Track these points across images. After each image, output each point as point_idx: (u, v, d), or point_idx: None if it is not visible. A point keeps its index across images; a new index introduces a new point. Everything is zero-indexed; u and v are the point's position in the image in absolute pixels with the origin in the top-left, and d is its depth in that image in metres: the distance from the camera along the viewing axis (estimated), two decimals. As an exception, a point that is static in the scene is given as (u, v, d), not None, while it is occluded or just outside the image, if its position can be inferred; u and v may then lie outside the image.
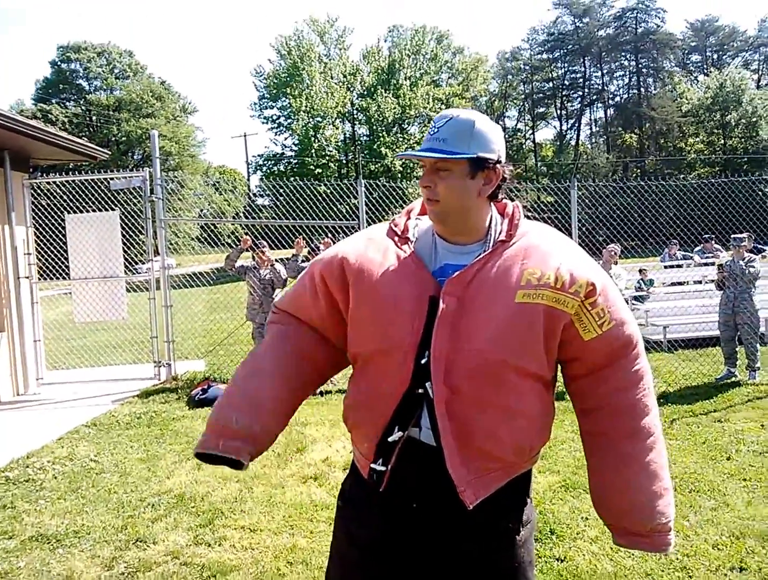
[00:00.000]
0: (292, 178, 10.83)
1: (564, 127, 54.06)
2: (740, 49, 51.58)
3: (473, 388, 1.44)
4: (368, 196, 8.58)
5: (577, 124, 53.57)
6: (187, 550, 3.48)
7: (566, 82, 53.26)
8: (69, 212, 8.38)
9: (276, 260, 7.82)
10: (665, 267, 13.01)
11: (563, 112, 53.44)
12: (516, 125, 54.05)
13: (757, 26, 52.50)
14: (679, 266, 12.87)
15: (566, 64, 53.05)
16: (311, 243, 9.03)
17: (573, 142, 53.44)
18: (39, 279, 8.35)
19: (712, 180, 10.70)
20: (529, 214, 1.82)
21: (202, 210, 36.36)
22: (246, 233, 8.29)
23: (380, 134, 36.89)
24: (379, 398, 1.50)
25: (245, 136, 44.73)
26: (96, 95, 48.13)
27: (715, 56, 52.68)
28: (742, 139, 39.34)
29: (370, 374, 1.54)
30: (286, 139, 39.55)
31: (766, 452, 4.78)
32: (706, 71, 49.76)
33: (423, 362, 1.44)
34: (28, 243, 7.90)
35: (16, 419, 6.62)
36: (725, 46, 51.69)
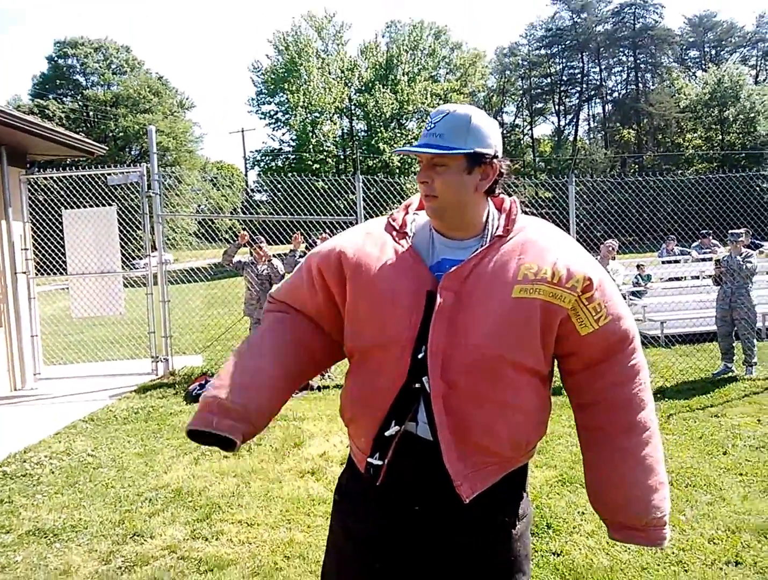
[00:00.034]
0: (289, 174, 10.83)
1: (562, 123, 54.03)
2: (738, 45, 51.54)
3: (470, 383, 1.44)
4: (366, 192, 8.57)
5: (575, 120, 53.53)
6: (185, 544, 3.49)
7: (564, 78, 53.19)
8: (66, 208, 8.35)
9: (274, 256, 7.82)
10: (663, 262, 13.02)
11: (561, 107, 53.38)
12: (514, 121, 54.02)
13: (755, 22, 52.50)
14: (676, 262, 12.89)
15: (564, 60, 52.97)
16: (309, 238, 9.03)
17: (571, 138, 53.36)
18: (36, 274, 8.34)
19: (710, 176, 10.71)
20: (527, 209, 1.83)
21: (199, 205, 36.31)
22: (244, 229, 8.29)
23: (378, 130, 36.81)
24: (376, 392, 1.50)
25: (243, 131, 44.88)
26: (93, 91, 47.98)
27: (713, 52, 52.64)
28: (740, 135, 39.32)
29: (367, 369, 1.54)
30: (283, 134, 39.50)
31: (762, 447, 4.80)
32: (704, 67, 49.72)
33: (420, 356, 1.44)
34: (25, 238, 7.89)
35: (13, 413, 6.62)
36: (723, 42, 51.64)
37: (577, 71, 52.84)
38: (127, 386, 7.46)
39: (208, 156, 64.66)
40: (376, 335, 1.50)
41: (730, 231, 7.31)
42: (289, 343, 1.60)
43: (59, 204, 8.67)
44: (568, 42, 51.59)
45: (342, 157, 40.22)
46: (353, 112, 40.07)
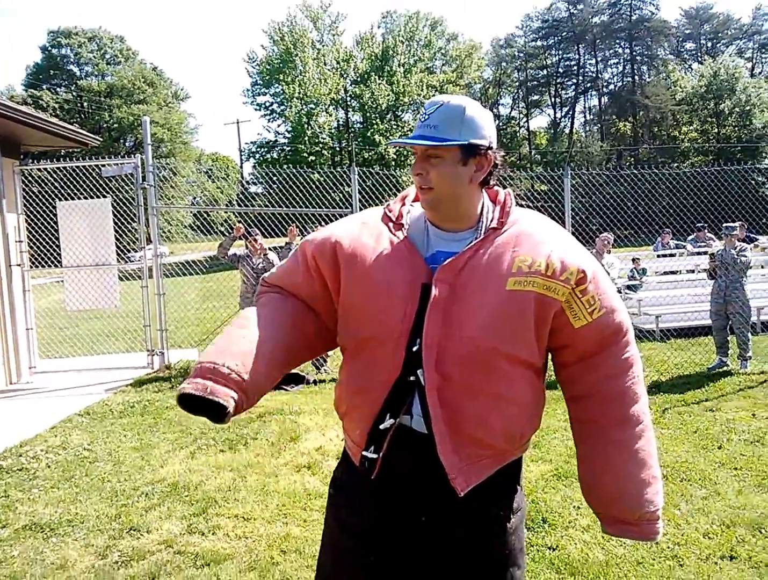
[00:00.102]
0: (285, 166, 10.80)
1: (558, 115, 54.01)
2: (734, 37, 51.53)
3: (464, 375, 1.44)
4: (362, 184, 8.55)
5: (571, 112, 53.53)
6: (181, 539, 3.49)
7: (560, 70, 53.12)
8: (60, 199, 8.31)
9: (269, 248, 7.80)
10: (658, 256, 13.05)
11: (557, 99, 53.33)
12: (510, 113, 53.97)
13: (752, 14, 52.56)
14: (672, 255, 12.91)
15: (560, 52, 52.90)
16: (304, 231, 9.01)
17: (567, 131, 53.37)
18: (31, 267, 8.30)
19: (706, 169, 10.72)
20: (523, 202, 1.82)
21: (194, 198, 36.18)
22: (239, 221, 8.27)
23: (374, 121, 36.69)
24: (371, 385, 1.50)
25: (238, 123, 44.61)
26: (87, 81, 47.68)
27: (710, 44, 52.63)
28: (736, 128, 39.33)
29: (362, 362, 1.54)
30: (279, 126, 39.38)
31: (757, 441, 4.82)
32: (700, 59, 49.73)
33: (414, 349, 1.44)
34: (19, 230, 7.85)
35: (8, 408, 6.60)
36: (719, 34, 51.62)
37: (573, 63, 52.80)
38: (123, 379, 7.45)
39: (203, 148, 64.57)
40: (371, 327, 1.49)
41: (724, 225, 7.31)
42: (285, 323, 1.57)
43: (53, 196, 8.63)
44: (564, 33, 51.52)
45: (338, 149, 40.12)
46: (349, 103, 39.95)
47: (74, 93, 46.64)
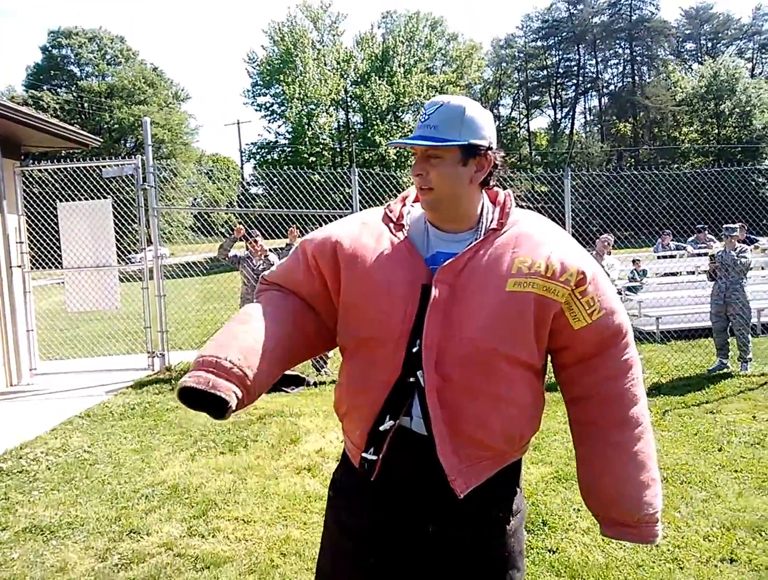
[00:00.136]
0: (285, 167, 10.79)
1: (558, 116, 54.04)
2: (734, 38, 51.54)
3: (464, 376, 1.44)
4: (362, 185, 8.55)
5: (571, 113, 53.55)
6: (181, 541, 3.49)
7: (561, 70, 53.15)
8: (61, 200, 8.31)
9: (270, 250, 7.79)
10: (658, 257, 13.04)
11: (558, 100, 53.35)
12: (510, 114, 53.99)
13: (752, 14, 52.54)
14: (672, 257, 12.91)
15: (561, 52, 52.93)
16: (305, 232, 9.01)
17: (567, 131, 53.38)
18: (31, 268, 8.30)
19: (706, 170, 10.71)
20: (523, 203, 1.83)
21: (195, 199, 36.19)
22: (240, 222, 8.26)
23: (374, 122, 36.71)
24: (371, 386, 1.50)
25: (238, 123, 44.69)
26: (88, 82, 47.73)
27: (710, 44, 52.64)
28: (736, 129, 39.35)
29: (362, 362, 1.54)
30: (279, 126, 39.42)
31: (757, 444, 4.82)
32: (700, 59, 49.72)
33: (414, 350, 1.44)
34: (20, 231, 7.85)
35: (9, 409, 6.60)
36: (719, 34, 51.62)
37: (573, 63, 52.83)
38: (124, 381, 7.45)
39: (204, 148, 64.58)
40: (371, 326, 1.49)
41: (724, 226, 7.30)
42: (286, 321, 1.56)
43: (54, 196, 8.63)
44: (564, 34, 51.55)
45: (338, 150, 40.15)
46: (349, 104, 39.99)
47: (75, 94, 46.67)
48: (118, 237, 8.34)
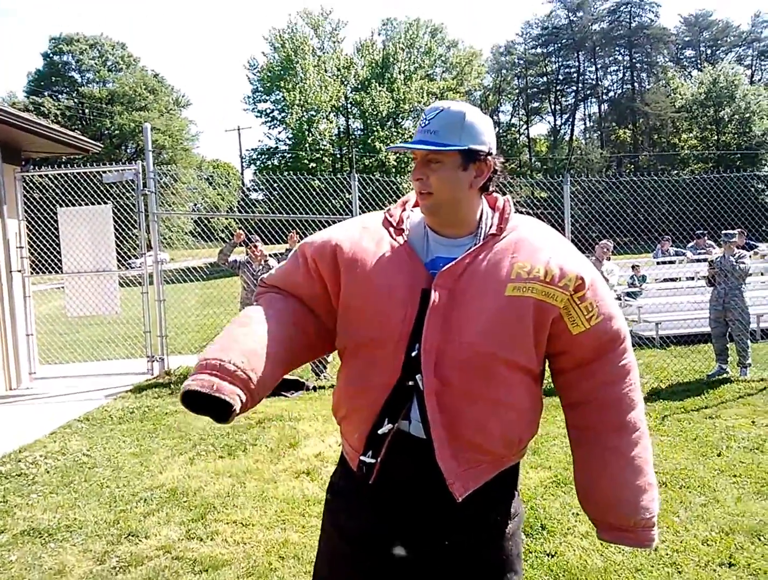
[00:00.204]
0: (285, 173, 10.81)
1: (558, 122, 54.18)
2: (734, 44, 51.71)
3: (463, 380, 1.45)
4: (362, 191, 8.57)
5: (571, 119, 53.68)
6: (179, 544, 3.49)
7: (560, 77, 53.33)
8: (61, 205, 8.33)
9: (270, 255, 7.80)
10: (658, 263, 13.06)
11: (557, 107, 53.49)
12: (510, 120, 54.10)
13: (751, 21, 52.66)
14: (671, 262, 12.92)
15: (560, 59, 53.11)
16: (304, 238, 9.02)
17: (567, 138, 53.49)
18: (31, 273, 8.31)
19: (705, 176, 10.74)
20: (523, 209, 1.83)
21: (195, 204, 36.24)
22: (240, 228, 8.27)
23: (374, 128, 36.81)
24: (370, 389, 1.50)
25: (239, 129, 44.64)
26: (89, 88, 47.85)
27: (709, 51, 52.80)
28: (735, 135, 39.41)
29: (360, 366, 1.54)
30: (279, 133, 39.55)
31: (756, 448, 4.82)
32: (699, 66, 49.87)
33: (414, 354, 1.45)
34: (20, 236, 7.86)
35: (8, 413, 6.60)
36: (719, 41, 51.80)
37: (573, 70, 52.98)
38: (123, 385, 7.45)
39: (204, 154, 64.70)
40: (371, 327, 1.49)
41: (723, 232, 7.31)
42: (287, 323, 1.56)
43: (54, 202, 8.64)
44: (564, 41, 51.72)
45: (338, 156, 40.24)
46: (349, 110, 40.09)
47: (76, 100, 46.77)
48: (118, 242, 8.35)
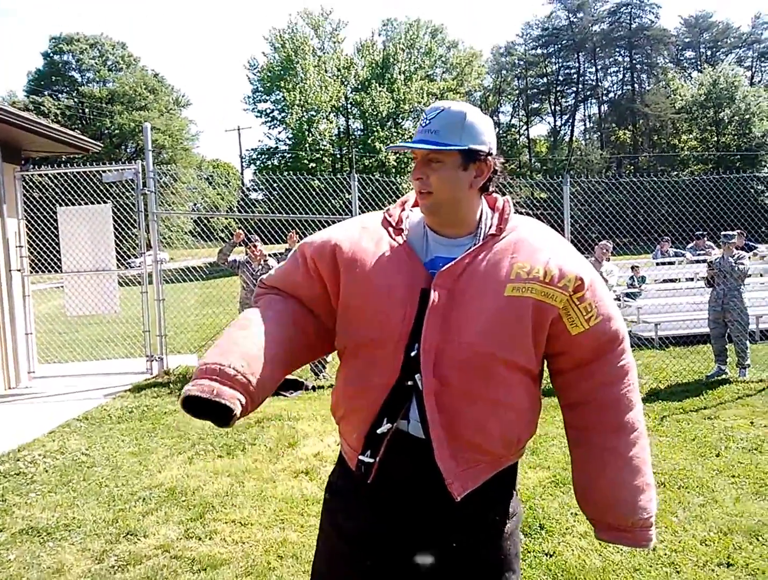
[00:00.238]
0: (285, 173, 10.82)
1: (558, 123, 54.19)
2: (734, 46, 51.73)
3: (463, 380, 1.45)
4: (362, 191, 8.57)
5: (571, 120, 53.71)
6: (178, 544, 3.49)
7: (560, 78, 53.34)
8: (61, 205, 8.33)
9: (269, 255, 7.81)
10: (657, 264, 13.05)
11: (557, 107, 53.51)
12: (510, 121, 54.12)
13: (751, 23, 52.71)
14: (671, 263, 12.92)
15: (560, 60, 53.13)
16: (304, 238, 9.02)
17: (567, 139, 53.50)
18: (31, 272, 8.31)
19: (705, 177, 10.74)
20: (522, 210, 1.84)
21: (195, 204, 36.23)
22: (239, 227, 8.28)
23: (374, 129, 36.82)
24: (369, 389, 1.50)
25: (239, 129, 44.65)
26: (89, 87, 47.85)
27: (709, 52, 52.83)
28: (735, 137, 39.43)
29: (359, 366, 1.54)
30: (280, 133, 39.56)
31: (754, 449, 4.82)
32: (699, 68, 49.90)
33: (413, 354, 1.45)
34: (20, 235, 7.86)
35: (7, 412, 6.60)
36: (719, 43, 51.83)
37: (573, 71, 53.00)
38: (122, 384, 7.45)
39: (204, 154, 64.71)
40: (370, 326, 1.49)
41: (722, 233, 7.31)
42: (287, 324, 1.56)
43: (54, 201, 8.64)
44: (564, 42, 51.74)
45: (338, 156, 40.24)
46: (349, 110, 40.10)
47: (76, 99, 46.76)
48: (117, 241, 8.34)
